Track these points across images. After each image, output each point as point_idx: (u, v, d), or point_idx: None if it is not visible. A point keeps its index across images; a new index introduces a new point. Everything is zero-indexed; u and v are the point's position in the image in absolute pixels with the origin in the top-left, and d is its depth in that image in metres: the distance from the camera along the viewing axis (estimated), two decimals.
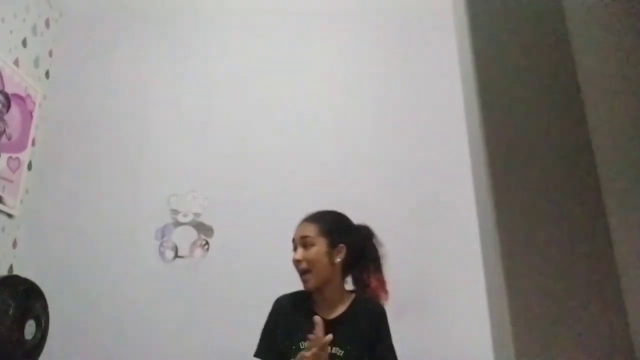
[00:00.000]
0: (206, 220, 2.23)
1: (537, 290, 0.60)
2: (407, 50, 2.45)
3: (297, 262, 1.43)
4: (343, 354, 1.35)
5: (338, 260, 1.45)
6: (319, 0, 2.46)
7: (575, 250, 0.62)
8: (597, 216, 0.63)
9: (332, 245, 1.45)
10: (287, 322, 1.47)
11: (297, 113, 2.37)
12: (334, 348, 1.36)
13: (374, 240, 1.57)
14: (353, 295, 1.49)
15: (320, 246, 1.43)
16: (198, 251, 2.20)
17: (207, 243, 2.21)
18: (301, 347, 1.36)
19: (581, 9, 0.70)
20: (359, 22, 2.49)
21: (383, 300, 1.53)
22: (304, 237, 1.44)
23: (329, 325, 1.38)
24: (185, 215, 2.24)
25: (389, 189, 2.23)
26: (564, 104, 0.68)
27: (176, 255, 2.19)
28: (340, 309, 1.45)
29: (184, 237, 2.21)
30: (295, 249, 1.47)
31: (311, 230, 1.45)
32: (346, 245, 1.47)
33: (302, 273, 1.43)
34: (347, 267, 1.49)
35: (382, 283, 1.54)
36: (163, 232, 2.22)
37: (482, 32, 0.71)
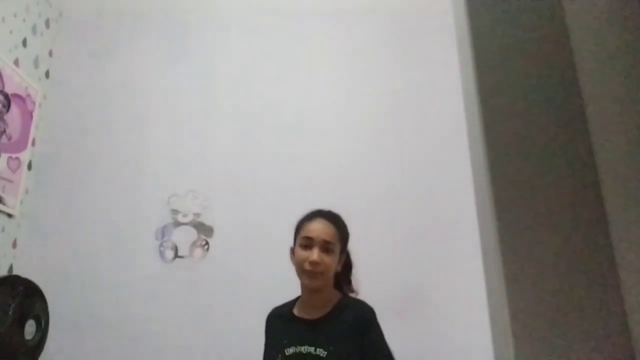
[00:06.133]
0: (206, 220, 2.23)
1: (537, 291, 0.60)
2: (408, 51, 2.45)
3: (314, 264, 1.37)
4: (326, 355, 1.32)
5: (339, 268, 1.46)
6: (320, 1, 2.46)
7: (575, 252, 0.62)
8: (597, 217, 0.63)
9: (341, 252, 1.45)
10: (273, 331, 1.47)
11: (297, 113, 2.37)
12: (317, 349, 1.33)
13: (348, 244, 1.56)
14: (339, 296, 1.47)
15: (336, 254, 1.42)
16: (198, 251, 2.20)
17: (207, 243, 2.21)
18: (287, 354, 1.35)
19: (581, 9, 0.70)
20: (359, 22, 2.49)
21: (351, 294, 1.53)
22: (327, 242, 1.39)
23: (312, 326, 1.38)
24: (185, 215, 2.24)
25: (389, 189, 2.23)
26: (564, 104, 0.68)
27: (176, 255, 2.19)
28: (325, 310, 1.42)
29: (184, 237, 2.21)
30: (308, 247, 1.40)
31: (334, 236, 1.41)
32: (347, 253, 1.50)
33: (313, 274, 1.38)
34: (341, 273, 1.50)
35: (352, 287, 1.53)
36: (163, 232, 2.22)
37: (482, 32, 0.71)
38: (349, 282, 1.53)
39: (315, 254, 1.37)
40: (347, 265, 1.53)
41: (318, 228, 1.42)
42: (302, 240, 1.42)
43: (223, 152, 2.32)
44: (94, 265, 2.17)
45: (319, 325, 1.38)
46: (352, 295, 1.51)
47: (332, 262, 1.40)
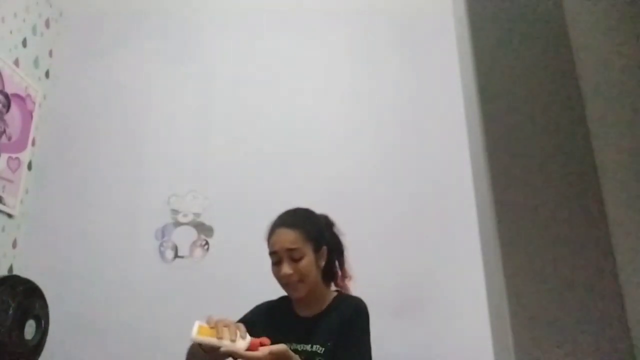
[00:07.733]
0: (206, 220, 2.23)
1: (537, 289, 0.60)
2: (407, 51, 2.45)
3: (287, 277, 1.34)
4: (324, 351, 1.31)
5: (322, 263, 1.42)
6: (320, 1, 2.46)
7: (576, 250, 0.62)
8: (597, 216, 0.63)
9: (317, 250, 1.39)
10: (267, 326, 1.42)
11: (297, 113, 2.37)
12: (314, 346, 1.32)
13: (335, 230, 1.52)
14: (335, 293, 1.46)
15: (309, 255, 1.35)
16: (198, 251, 2.20)
17: (207, 243, 2.21)
18: None
19: (582, 11, 0.71)
20: (359, 22, 2.49)
21: (349, 285, 1.51)
22: (291, 250, 1.34)
23: (309, 323, 1.38)
24: (185, 215, 2.24)
25: (389, 188, 2.24)
26: (564, 104, 0.68)
27: (176, 255, 2.19)
28: (321, 307, 1.41)
29: (184, 237, 2.21)
30: (278, 262, 1.36)
31: (296, 241, 1.35)
32: (327, 246, 1.44)
33: (292, 285, 1.36)
34: (325, 265, 1.45)
35: (346, 272, 1.51)
36: (163, 232, 2.22)
37: (482, 32, 0.72)
38: (342, 267, 1.50)
39: (284, 268, 1.34)
40: (334, 254, 1.49)
41: (278, 240, 1.37)
42: (270, 257, 1.40)
43: (223, 152, 2.32)
44: (94, 265, 2.17)
45: (316, 322, 1.37)
46: (348, 280, 1.50)
47: (306, 266, 1.35)
